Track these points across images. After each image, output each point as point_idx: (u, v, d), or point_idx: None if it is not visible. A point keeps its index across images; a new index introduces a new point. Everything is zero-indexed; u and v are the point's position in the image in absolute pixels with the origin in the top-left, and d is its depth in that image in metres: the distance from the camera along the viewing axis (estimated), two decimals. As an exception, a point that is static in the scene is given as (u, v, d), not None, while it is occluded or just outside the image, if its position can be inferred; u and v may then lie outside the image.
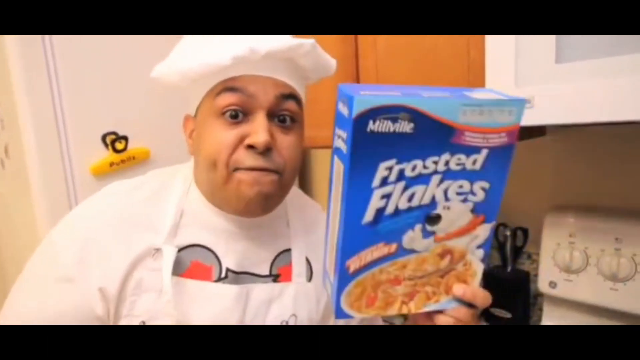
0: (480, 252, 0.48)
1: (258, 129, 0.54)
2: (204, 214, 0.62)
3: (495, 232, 1.08)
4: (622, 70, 0.57)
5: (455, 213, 0.44)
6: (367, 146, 0.38)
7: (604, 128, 0.91)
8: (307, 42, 0.57)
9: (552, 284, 0.95)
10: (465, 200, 0.44)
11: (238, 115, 0.56)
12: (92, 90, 1.00)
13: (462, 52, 0.80)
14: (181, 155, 0.69)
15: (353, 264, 0.43)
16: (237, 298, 0.59)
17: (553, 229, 0.96)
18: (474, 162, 0.42)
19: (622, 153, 0.93)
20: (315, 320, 0.66)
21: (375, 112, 0.37)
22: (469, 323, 0.50)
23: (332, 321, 0.69)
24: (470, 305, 0.49)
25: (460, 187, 0.43)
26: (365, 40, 0.95)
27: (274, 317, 0.62)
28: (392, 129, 0.38)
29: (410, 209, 0.42)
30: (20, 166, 0.99)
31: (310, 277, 0.66)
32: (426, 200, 0.42)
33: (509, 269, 1.05)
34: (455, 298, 0.48)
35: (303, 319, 0.64)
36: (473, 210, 0.44)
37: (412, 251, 0.45)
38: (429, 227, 0.44)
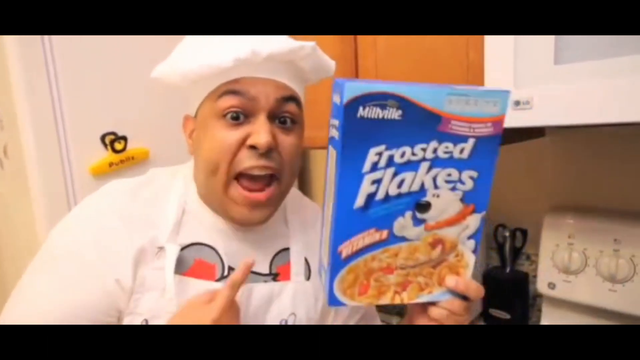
0: (472, 243, 0.48)
1: (260, 130, 0.55)
2: (204, 213, 0.62)
3: (494, 233, 1.08)
4: (620, 72, 0.57)
5: (444, 201, 0.45)
6: (358, 131, 0.40)
7: (603, 129, 0.91)
8: (307, 44, 0.57)
9: (551, 285, 0.95)
10: (454, 189, 0.45)
11: (239, 117, 0.56)
12: (91, 90, 1.00)
13: (461, 52, 0.80)
14: (181, 155, 0.69)
15: (345, 249, 0.45)
16: (239, 297, 0.59)
17: (552, 230, 0.96)
18: (462, 150, 0.43)
19: (621, 154, 0.93)
20: (314, 319, 0.66)
21: (365, 99, 0.39)
22: (462, 315, 0.50)
23: (330, 320, 0.70)
24: (463, 297, 0.49)
25: (449, 175, 0.44)
26: (364, 40, 0.95)
27: (273, 315, 0.62)
28: (381, 115, 0.40)
29: (400, 195, 0.44)
30: (19, 166, 0.99)
31: (308, 276, 0.67)
32: (415, 187, 0.44)
33: (507, 269, 1.05)
34: (448, 290, 0.49)
35: (302, 318, 0.64)
36: (462, 200, 0.46)
37: (404, 239, 0.46)
38: (419, 215, 0.45)
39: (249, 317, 0.60)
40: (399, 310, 1.15)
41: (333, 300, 0.46)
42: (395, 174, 0.43)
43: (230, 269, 0.61)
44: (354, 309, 0.73)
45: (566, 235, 0.93)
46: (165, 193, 0.62)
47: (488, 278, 1.06)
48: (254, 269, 0.62)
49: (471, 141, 0.43)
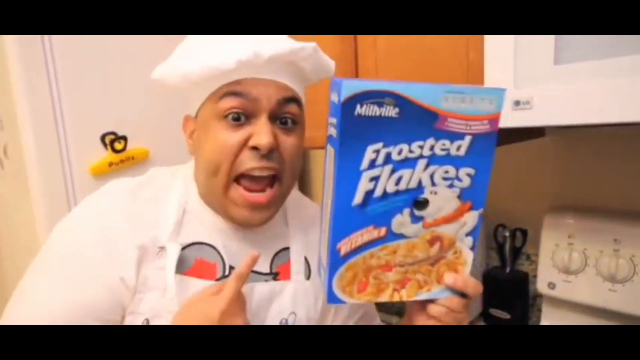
0: (470, 240, 0.48)
1: (261, 131, 0.55)
2: (204, 213, 0.62)
3: (494, 232, 1.08)
4: (620, 72, 0.57)
5: (442, 198, 0.45)
6: (355, 129, 0.41)
7: (603, 129, 0.91)
8: (308, 45, 0.57)
9: (551, 285, 0.95)
10: (451, 186, 0.45)
11: (240, 118, 0.56)
12: (91, 90, 1.00)
13: (461, 52, 0.80)
14: (181, 155, 0.69)
15: (344, 246, 0.45)
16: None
17: (552, 229, 0.96)
18: (458, 147, 0.44)
19: (621, 154, 0.93)
20: (313, 319, 0.66)
21: (362, 97, 0.40)
22: (461, 312, 0.50)
23: (330, 319, 0.70)
24: (462, 294, 0.49)
25: (446, 172, 0.44)
26: (364, 40, 0.95)
27: (274, 314, 0.62)
28: (378, 113, 0.40)
29: (398, 193, 0.44)
30: (19, 166, 0.99)
31: (308, 276, 0.67)
32: (413, 184, 0.44)
33: (507, 269, 1.05)
34: (446, 287, 0.49)
35: (302, 317, 0.64)
36: (460, 197, 0.46)
37: (402, 236, 0.46)
38: (417, 212, 0.45)
39: (250, 315, 0.60)
40: (399, 309, 1.15)
41: (332, 298, 0.46)
42: (392, 171, 0.43)
43: (231, 268, 0.61)
44: (353, 308, 0.73)
45: (566, 235, 0.93)
46: (166, 193, 0.62)
47: (488, 278, 1.06)
48: (255, 268, 0.62)
49: (468, 138, 0.44)
